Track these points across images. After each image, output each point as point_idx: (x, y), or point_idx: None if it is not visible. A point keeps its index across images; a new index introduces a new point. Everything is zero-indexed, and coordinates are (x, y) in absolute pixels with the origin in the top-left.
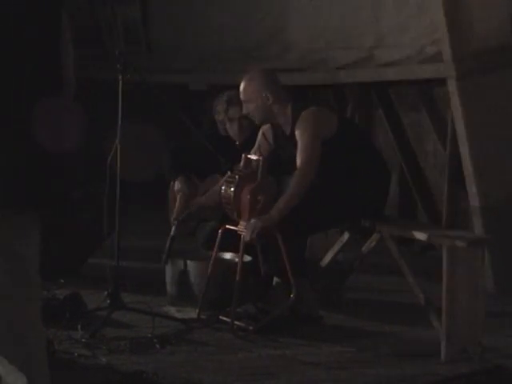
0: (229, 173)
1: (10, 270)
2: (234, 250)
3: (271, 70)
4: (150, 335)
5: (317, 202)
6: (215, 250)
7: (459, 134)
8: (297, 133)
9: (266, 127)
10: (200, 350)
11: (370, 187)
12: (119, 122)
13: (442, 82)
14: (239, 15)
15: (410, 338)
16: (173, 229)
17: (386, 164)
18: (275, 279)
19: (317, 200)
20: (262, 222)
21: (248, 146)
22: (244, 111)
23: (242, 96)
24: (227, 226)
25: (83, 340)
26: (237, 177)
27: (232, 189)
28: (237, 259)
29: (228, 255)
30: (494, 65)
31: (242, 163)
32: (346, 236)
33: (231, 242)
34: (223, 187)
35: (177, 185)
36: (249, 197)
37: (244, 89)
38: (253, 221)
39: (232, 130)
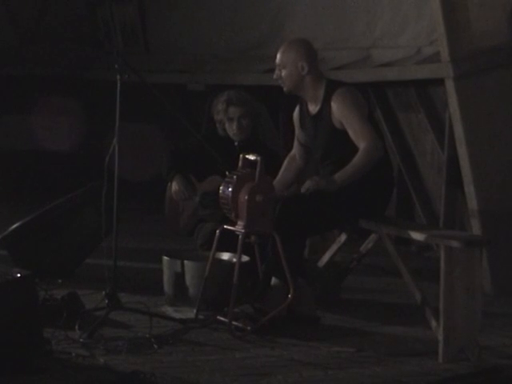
0: (227, 173)
1: None
2: (232, 251)
3: (311, 43)
4: (147, 335)
5: (317, 203)
6: (213, 250)
7: (457, 135)
8: (337, 108)
9: (296, 109)
10: (198, 351)
11: (374, 191)
12: (117, 122)
13: (439, 82)
14: (237, 15)
15: (407, 338)
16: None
17: (392, 168)
18: (273, 279)
19: (317, 201)
20: (324, 182)
21: (247, 146)
22: (275, 76)
23: (277, 60)
24: (225, 227)
25: (81, 340)
26: (235, 177)
27: (230, 189)
28: (235, 259)
29: (226, 255)
30: (491, 65)
31: (239, 163)
32: (343, 236)
33: (229, 242)
34: (221, 187)
35: (174, 185)
36: (247, 197)
37: (282, 53)
38: (315, 177)
39: (231, 129)
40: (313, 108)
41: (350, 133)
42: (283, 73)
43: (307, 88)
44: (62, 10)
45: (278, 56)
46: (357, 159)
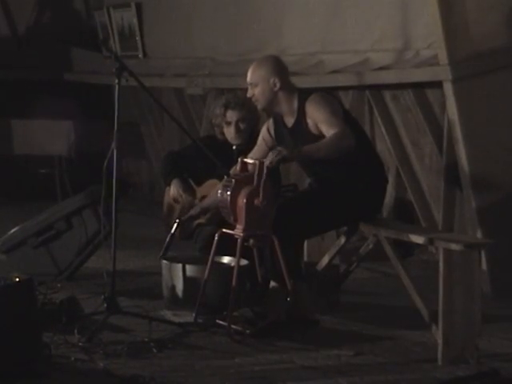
0: (225, 177)
1: None
2: (231, 254)
3: (280, 59)
4: (146, 339)
5: (314, 206)
6: (212, 253)
7: (455, 137)
8: (311, 110)
9: (270, 122)
10: (197, 354)
11: (368, 190)
12: (116, 126)
13: (438, 85)
14: (235, 19)
15: (406, 341)
16: (174, 226)
17: (383, 165)
18: (272, 283)
19: (314, 203)
20: (288, 151)
21: (245, 150)
22: (248, 94)
23: (249, 78)
24: (224, 230)
25: (80, 344)
26: (233, 181)
27: (228, 193)
28: (234, 263)
29: (225, 259)
30: (489, 67)
31: (238, 167)
32: (342, 239)
33: (228, 246)
34: (220, 191)
35: (172, 189)
36: (245, 201)
37: (252, 71)
38: (279, 148)
39: (229, 133)
40: (289, 120)
41: (323, 128)
42: (256, 91)
43: (282, 103)
44: (60, 14)
45: (249, 75)
46: (327, 139)
